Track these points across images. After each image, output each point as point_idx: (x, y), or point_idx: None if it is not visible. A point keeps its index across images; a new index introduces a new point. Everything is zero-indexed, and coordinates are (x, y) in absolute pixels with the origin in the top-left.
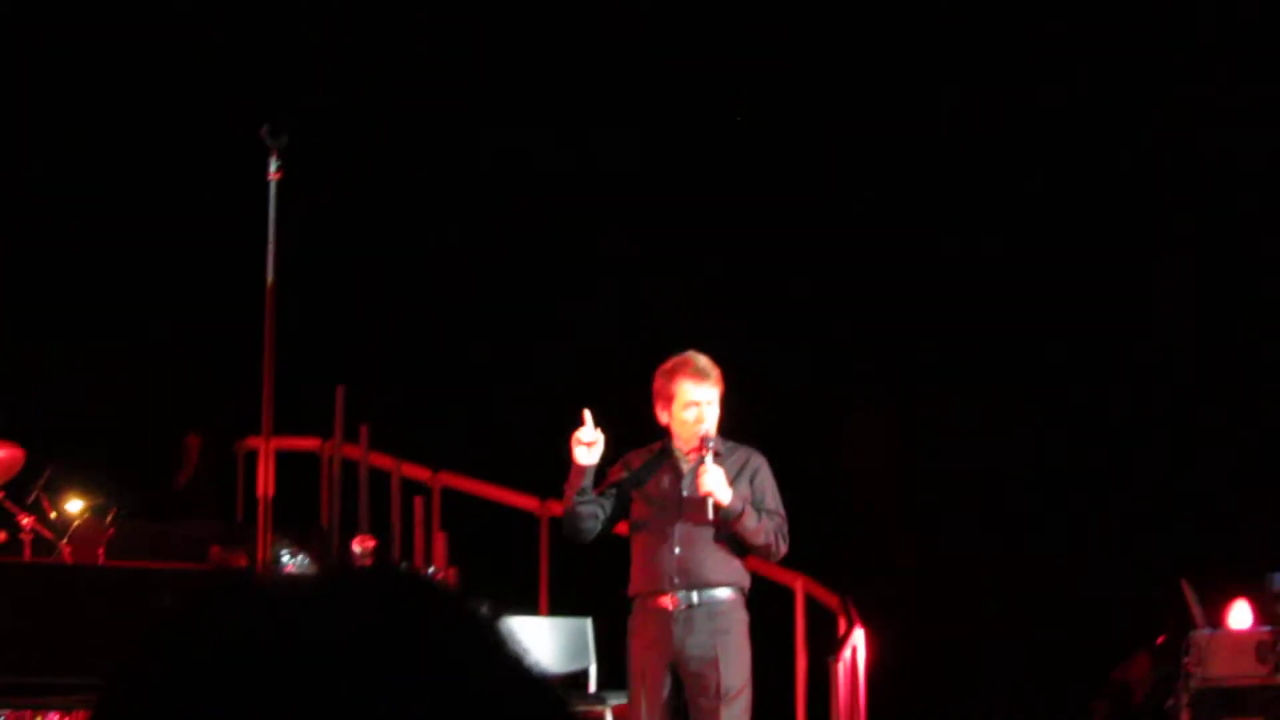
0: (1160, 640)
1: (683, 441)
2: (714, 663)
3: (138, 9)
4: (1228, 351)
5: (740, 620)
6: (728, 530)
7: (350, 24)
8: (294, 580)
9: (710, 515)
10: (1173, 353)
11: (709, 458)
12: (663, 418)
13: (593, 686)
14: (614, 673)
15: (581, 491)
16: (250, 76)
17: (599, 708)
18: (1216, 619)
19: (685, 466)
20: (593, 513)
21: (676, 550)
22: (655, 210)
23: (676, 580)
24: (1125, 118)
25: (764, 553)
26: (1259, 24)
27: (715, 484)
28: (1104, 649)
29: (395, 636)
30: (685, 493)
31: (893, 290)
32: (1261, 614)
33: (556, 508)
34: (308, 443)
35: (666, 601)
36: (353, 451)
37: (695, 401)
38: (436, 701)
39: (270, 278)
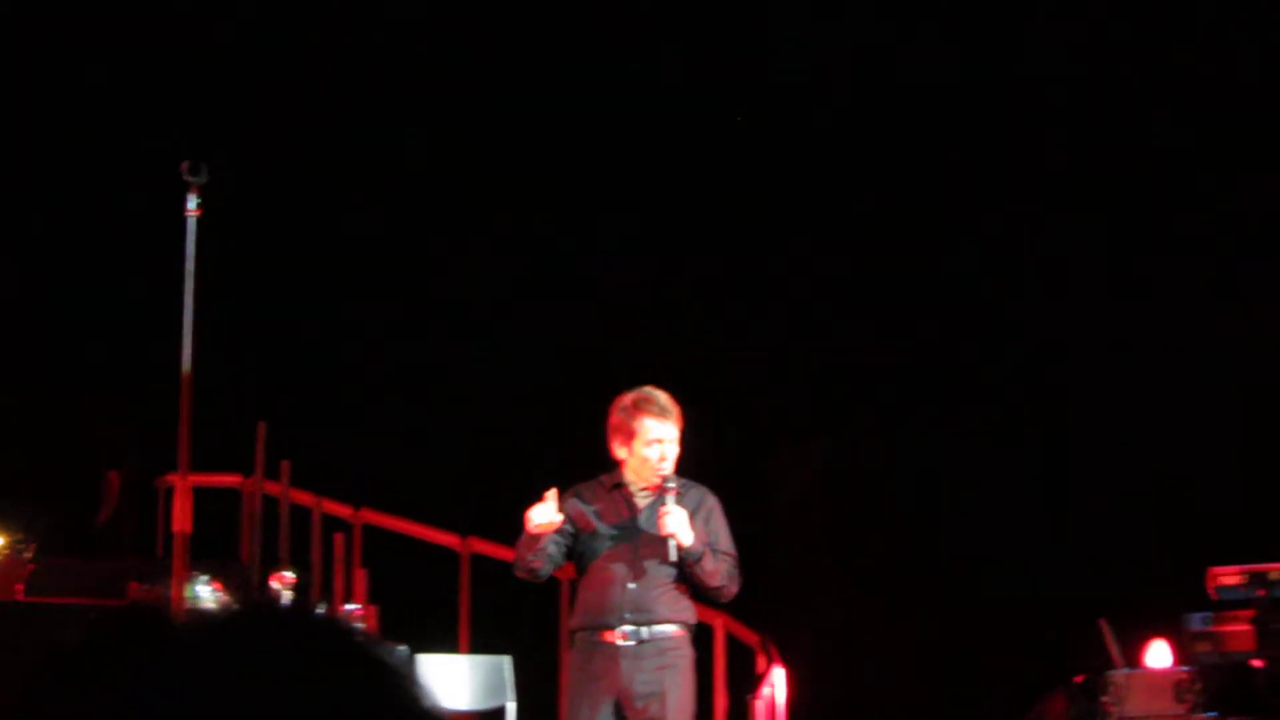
0: (1078, 679)
1: (638, 477)
2: (661, 698)
3: (57, 41)
4: (1150, 390)
5: (687, 656)
6: (684, 571)
7: (272, 58)
8: (198, 617)
9: (672, 556)
10: (1095, 392)
11: (670, 499)
12: (619, 453)
13: None
14: (534, 711)
15: (538, 551)
16: (170, 112)
17: None
18: (1134, 658)
19: (641, 503)
20: (549, 556)
21: (630, 586)
22: (578, 243)
23: (628, 616)
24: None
25: (717, 594)
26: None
27: (678, 526)
28: (1022, 688)
29: (293, 674)
30: (642, 530)
31: (816, 325)
32: (1179, 654)
33: (478, 545)
34: (229, 479)
35: (615, 636)
36: (273, 488)
37: (659, 439)
38: None
39: (189, 313)
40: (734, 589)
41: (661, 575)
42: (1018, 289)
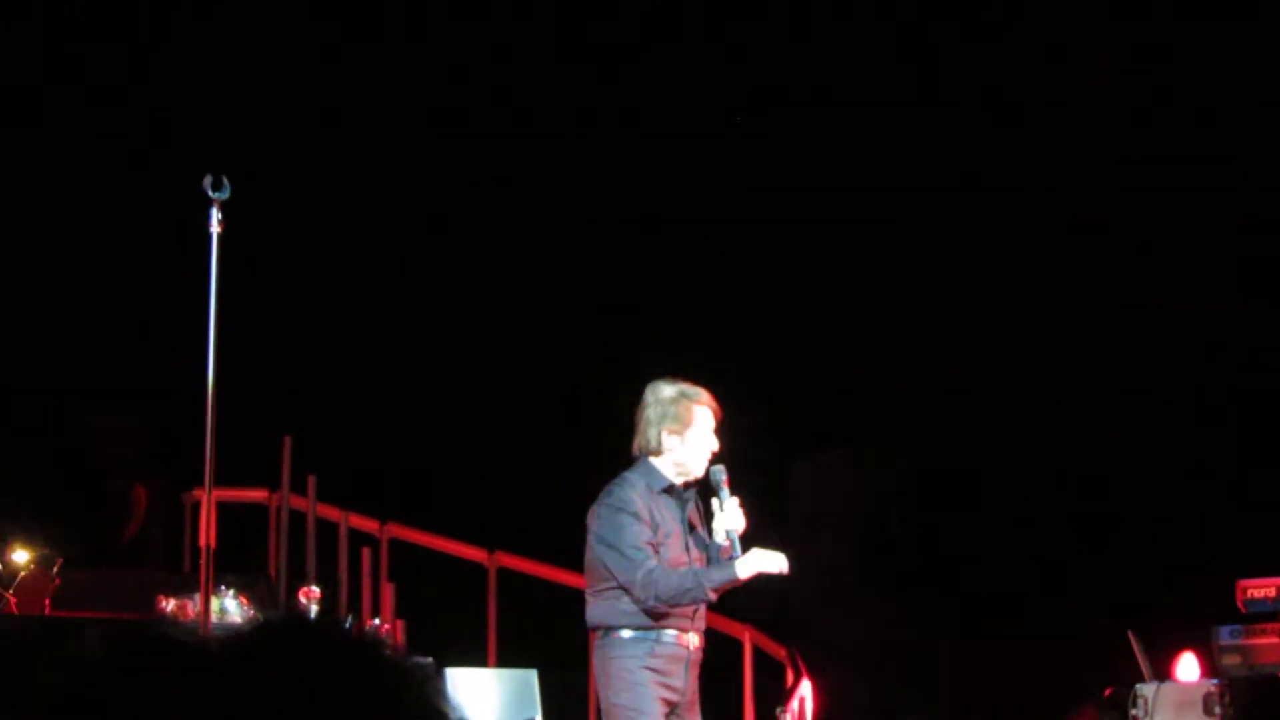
0: (1108, 693)
1: (676, 470)
2: (695, 705)
3: (83, 57)
4: (1182, 401)
5: None
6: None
7: (292, 75)
8: (224, 632)
9: (736, 551)
10: (1127, 401)
11: (725, 493)
12: (669, 443)
13: None
14: None
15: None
16: (194, 130)
17: None
18: (1164, 671)
19: (687, 497)
20: None
21: None
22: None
23: (694, 620)
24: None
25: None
26: None
27: (738, 521)
28: (1051, 701)
29: (321, 688)
30: (693, 531)
31: (843, 338)
32: (1209, 666)
33: (505, 559)
34: (255, 493)
35: (689, 641)
36: (300, 502)
37: (714, 428)
38: None
39: (213, 328)
40: None
41: None
42: (1036, 302)
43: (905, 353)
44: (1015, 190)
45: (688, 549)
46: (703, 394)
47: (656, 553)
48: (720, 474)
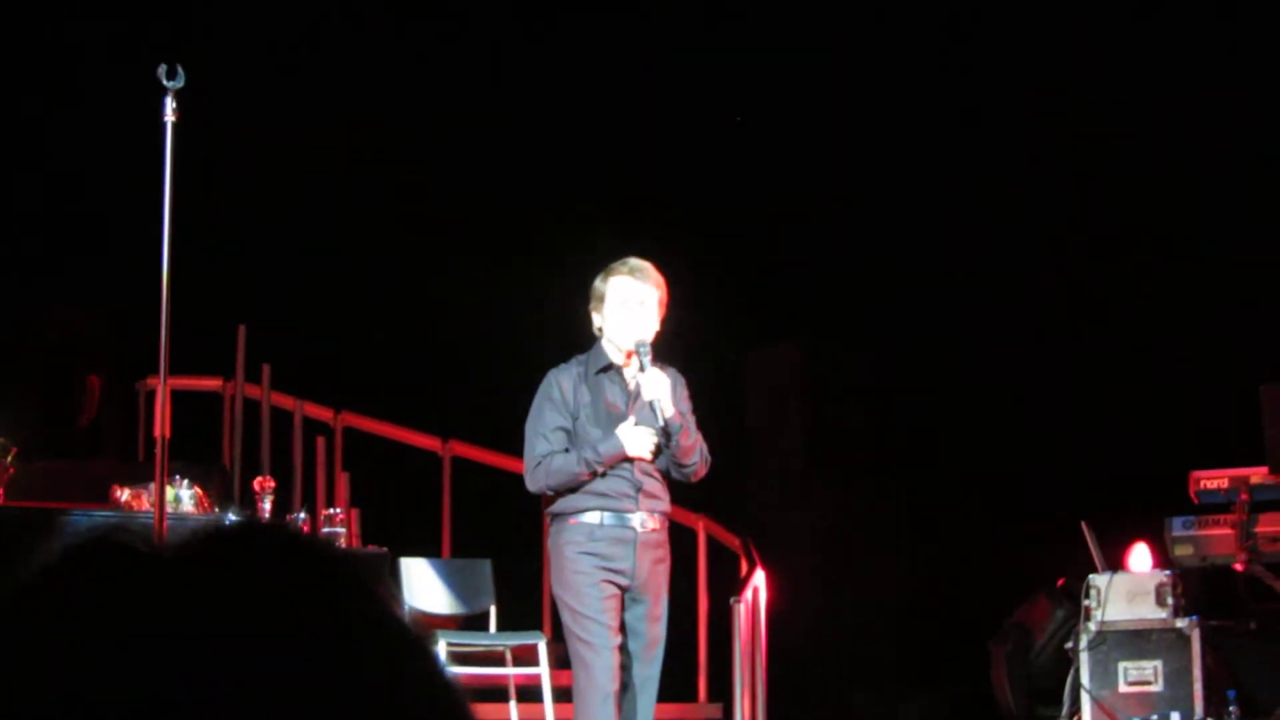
0: (1060, 582)
1: (616, 349)
2: (657, 592)
3: None
4: (1136, 294)
5: (669, 552)
6: (668, 443)
7: None
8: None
9: (659, 421)
10: (1081, 291)
11: (645, 362)
12: (596, 321)
13: (493, 628)
14: (513, 613)
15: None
16: (150, 16)
17: (499, 648)
18: (1116, 561)
19: (629, 377)
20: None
21: (634, 469)
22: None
23: (642, 502)
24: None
25: (689, 472)
26: None
27: (658, 388)
28: (1003, 591)
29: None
30: (635, 410)
31: (801, 228)
32: (1161, 557)
33: (459, 448)
34: (209, 382)
35: (634, 522)
36: (254, 391)
37: (632, 298)
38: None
39: (168, 217)
40: (704, 470)
41: (660, 461)
42: (993, 190)
43: (860, 243)
44: (969, 76)
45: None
46: (621, 266)
47: (570, 435)
48: (644, 348)
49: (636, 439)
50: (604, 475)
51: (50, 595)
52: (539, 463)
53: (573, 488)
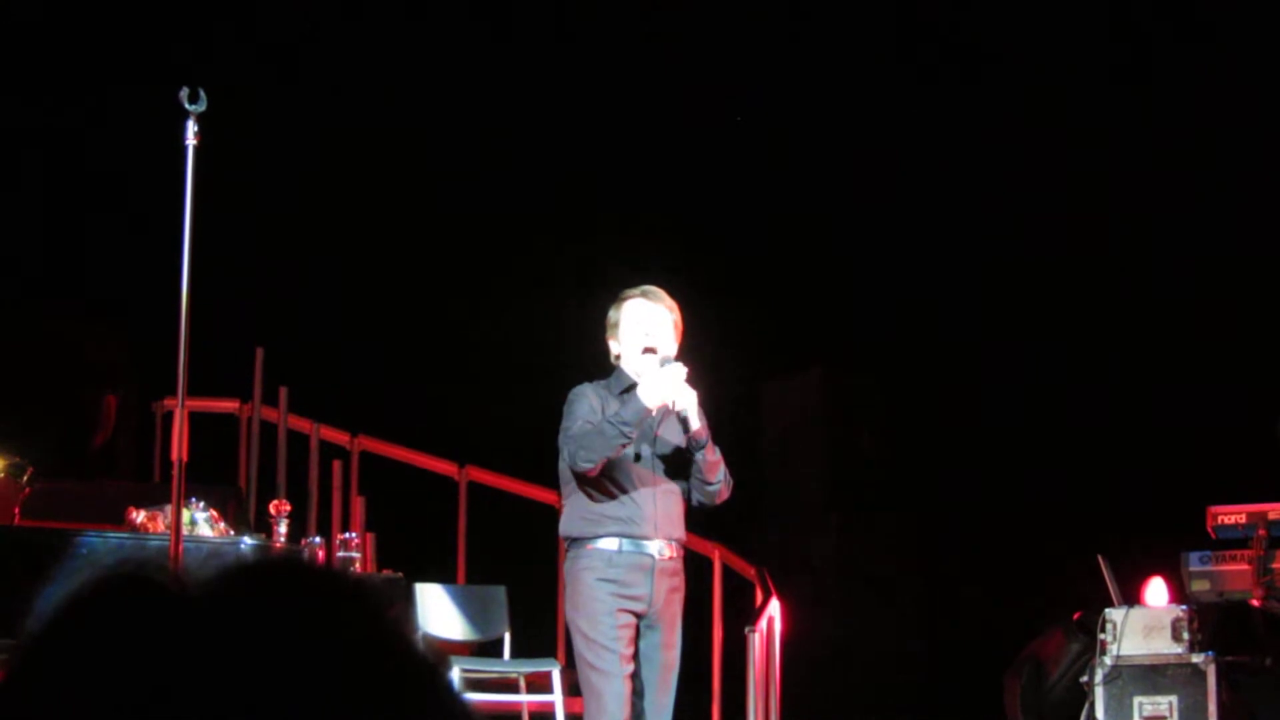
0: (1076, 616)
1: (636, 374)
2: (672, 622)
3: None
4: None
5: (684, 580)
6: (693, 458)
7: None
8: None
9: (694, 425)
10: (1099, 320)
11: (664, 360)
12: (613, 349)
13: (507, 654)
14: (528, 640)
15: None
16: (170, 41)
17: (514, 674)
18: (1133, 596)
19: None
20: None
21: (655, 495)
22: (583, 185)
23: (658, 527)
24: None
25: (713, 491)
26: None
27: (687, 399)
28: (1019, 623)
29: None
30: (661, 437)
31: (815, 256)
32: (1177, 592)
33: (475, 473)
34: (226, 404)
35: (653, 549)
36: (271, 414)
37: (646, 320)
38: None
39: (188, 238)
40: (728, 492)
41: (679, 491)
42: (1008, 218)
43: (876, 271)
44: (980, 99)
45: (656, 456)
46: (633, 291)
47: None
48: (660, 351)
49: (653, 387)
50: (637, 459)
51: (79, 636)
52: (571, 437)
53: (595, 496)
